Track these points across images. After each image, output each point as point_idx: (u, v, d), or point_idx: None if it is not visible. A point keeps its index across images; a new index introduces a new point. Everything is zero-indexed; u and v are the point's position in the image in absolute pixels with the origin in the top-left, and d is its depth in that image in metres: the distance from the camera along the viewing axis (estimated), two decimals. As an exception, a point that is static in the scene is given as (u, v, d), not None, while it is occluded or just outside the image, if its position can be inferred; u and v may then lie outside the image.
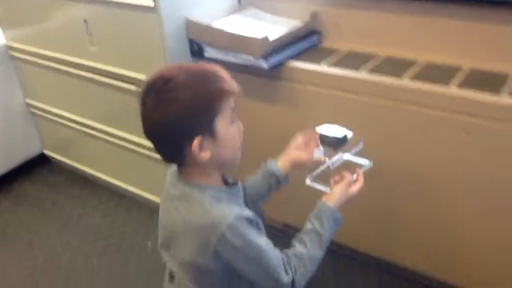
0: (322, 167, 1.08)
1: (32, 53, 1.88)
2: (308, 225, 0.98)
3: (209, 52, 1.42)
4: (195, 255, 0.92)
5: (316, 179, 1.09)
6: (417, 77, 1.23)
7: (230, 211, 0.89)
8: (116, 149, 1.87)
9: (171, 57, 1.41)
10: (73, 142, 2.08)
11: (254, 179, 1.09)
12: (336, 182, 1.03)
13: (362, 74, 1.27)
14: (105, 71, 1.63)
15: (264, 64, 1.31)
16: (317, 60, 1.37)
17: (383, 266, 1.54)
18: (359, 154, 1.09)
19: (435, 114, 1.17)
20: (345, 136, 1.07)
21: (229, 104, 0.89)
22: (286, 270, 0.91)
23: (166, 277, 1.09)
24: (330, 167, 1.07)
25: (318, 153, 1.06)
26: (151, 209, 1.93)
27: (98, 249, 1.76)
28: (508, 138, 1.10)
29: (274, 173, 1.07)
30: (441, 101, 1.16)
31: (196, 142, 0.86)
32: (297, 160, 1.10)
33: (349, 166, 1.07)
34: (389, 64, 1.32)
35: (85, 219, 1.93)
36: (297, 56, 1.40)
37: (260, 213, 1.01)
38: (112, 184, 2.03)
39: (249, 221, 0.90)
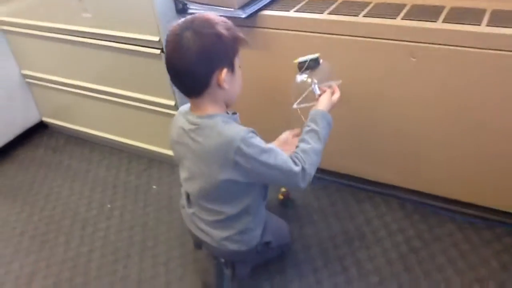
0: (306, 92, 1.31)
1: (25, 25, 2.01)
2: (306, 128, 1.21)
3: (192, 9, 1.62)
4: (220, 173, 1.11)
5: (300, 103, 1.33)
6: (370, 14, 1.46)
7: (240, 128, 1.11)
8: (111, 106, 2.04)
9: (160, 16, 1.59)
10: (70, 106, 2.24)
11: None
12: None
13: (323, 16, 1.49)
14: (98, 34, 1.79)
15: (242, 14, 1.52)
16: (286, 7, 1.58)
17: (357, 181, 1.82)
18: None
19: (386, 42, 1.41)
20: (317, 57, 1.31)
21: (240, 51, 1.13)
22: (295, 162, 1.13)
23: (185, 202, 1.32)
24: (316, 84, 1.29)
25: (300, 78, 1.29)
26: (150, 158, 2.15)
27: (109, 196, 1.97)
28: (445, 56, 1.36)
29: None
30: (390, 32, 1.40)
31: (224, 71, 1.08)
32: (281, 142, 1.36)
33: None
34: (346, 6, 1.55)
35: (92, 173, 2.13)
36: (269, 6, 1.61)
37: None
38: (111, 140, 2.21)
39: (254, 132, 1.12)
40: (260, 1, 1.60)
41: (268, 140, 1.22)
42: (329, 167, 1.82)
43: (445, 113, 1.46)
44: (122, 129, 2.15)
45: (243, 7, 1.55)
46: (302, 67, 1.31)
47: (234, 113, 1.22)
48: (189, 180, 1.22)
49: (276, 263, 1.56)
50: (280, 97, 1.67)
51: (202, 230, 1.28)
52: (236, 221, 1.23)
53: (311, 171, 1.15)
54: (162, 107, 1.87)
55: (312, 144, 1.17)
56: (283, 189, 1.76)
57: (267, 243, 1.34)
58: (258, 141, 1.11)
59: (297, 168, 1.12)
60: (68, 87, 2.13)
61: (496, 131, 1.42)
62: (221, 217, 1.22)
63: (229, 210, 1.20)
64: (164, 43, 1.61)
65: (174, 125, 1.23)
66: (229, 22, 1.12)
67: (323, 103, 1.26)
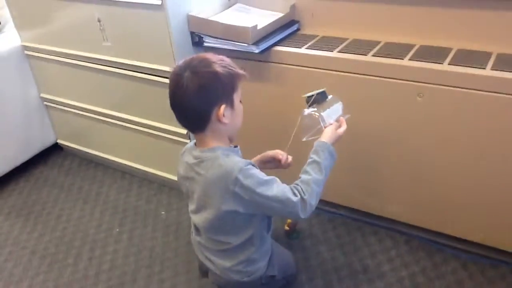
0: (314, 127, 1.34)
1: (47, 51, 2.10)
2: (309, 160, 1.23)
3: (208, 42, 1.68)
4: (222, 204, 1.14)
5: (309, 136, 1.36)
6: (378, 54, 1.52)
7: (238, 160, 1.16)
8: (125, 132, 2.10)
9: (176, 48, 1.66)
10: (85, 129, 2.30)
11: None
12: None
13: (334, 54, 1.55)
14: (117, 62, 1.86)
15: (255, 49, 1.59)
16: (298, 44, 1.64)
17: (363, 215, 1.84)
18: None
19: (394, 82, 1.46)
20: (324, 91, 1.35)
21: (240, 86, 1.17)
22: (294, 193, 1.14)
23: (193, 230, 1.36)
24: (323, 117, 1.32)
25: (307, 111, 1.33)
26: (160, 184, 2.19)
27: (118, 219, 2.01)
28: (451, 97, 1.40)
29: None
30: (398, 71, 1.45)
31: (222, 107, 1.13)
32: (265, 156, 1.37)
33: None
34: (356, 45, 1.61)
35: (102, 196, 2.18)
36: (281, 42, 1.67)
37: None
38: (123, 164, 2.26)
39: (253, 164, 1.16)
40: (273, 37, 1.66)
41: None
42: (336, 200, 1.85)
43: (450, 152, 1.49)
44: (134, 154, 2.20)
45: (257, 42, 1.61)
46: (309, 101, 1.35)
47: (235, 146, 1.26)
48: (195, 212, 1.26)
49: (280, 294, 1.58)
50: (290, 130, 1.72)
51: (207, 259, 1.31)
52: (240, 251, 1.25)
53: (312, 201, 1.16)
54: (174, 135, 1.92)
55: (313, 175, 1.19)
56: (289, 220, 1.78)
57: (272, 276, 1.35)
58: (257, 172, 1.14)
59: (295, 199, 1.13)
60: (84, 111, 2.20)
61: (501, 172, 1.44)
62: (225, 247, 1.24)
63: (233, 240, 1.23)
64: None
65: (181, 161, 1.27)
66: (227, 60, 1.16)
67: (327, 135, 1.28)
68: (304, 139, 1.37)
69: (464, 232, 1.63)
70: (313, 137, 1.34)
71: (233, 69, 1.15)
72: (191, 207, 1.28)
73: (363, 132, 1.60)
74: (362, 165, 1.68)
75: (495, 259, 1.62)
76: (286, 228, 1.79)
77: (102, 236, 1.93)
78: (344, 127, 1.32)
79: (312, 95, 1.34)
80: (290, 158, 1.37)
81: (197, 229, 1.33)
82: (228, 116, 1.16)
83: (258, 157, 1.40)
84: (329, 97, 1.36)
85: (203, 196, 1.19)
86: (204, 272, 1.42)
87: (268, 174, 1.17)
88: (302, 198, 1.14)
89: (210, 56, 1.15)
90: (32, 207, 2.14)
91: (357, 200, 1.80)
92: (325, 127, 1.31)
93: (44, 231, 1.98)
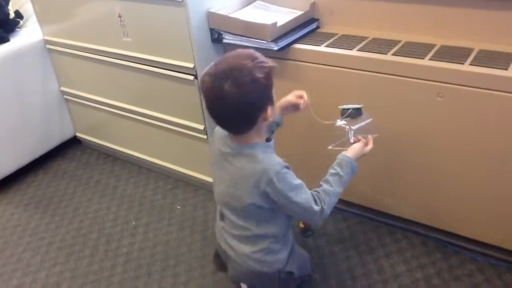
0: (341, 139, 1.37)
1: (68, 45, 2.13)
2: (332, 170, 1.27)
3: (227, 39, 1.69)
4: (248, 197, 1.17)
5: (336, 146, 1.38)
6: (399, 53, 1.51)
7: (276, 161, 1.17)
8: (143, 127, 2.12)
9: (196, 44, 1.67)
10: (103, 123, 2.33)
11: None
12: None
13: (353, 52, 1.55)
14: (137, 58, 1.88)
15: (274, 47, 1.59)
16: (317, 42, 1.64)
17: (379, 215, 1.84)
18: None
19: (413, 81, 1.45)
20: (360, 108, 1.37)
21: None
22: (316, 202, 1.19)
23: (218, 216, 1.36)
24: (352, 131, 1.35)
25: (339, 123, 1.36)
26: (177, 179, 2.21)
27: (134, 213, 2.03)
28: (472, 98, 1.38)
29: (279, 121, 1.39)
30: (418, 71, 1.44)
31: (269, 110, 1.13)
32: (287, 103, 1.37)
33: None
34: (376, 44, 1.60)
35: (119, 189, 2.20)
36: (300, 39, 1.67)
37: None
38: (140, 159, 2.28)
39: (288, 167, 1.17)
40: (293, 35, 1.66)
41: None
42: (351, 199, 1.84)
43: (470, 153, 1.47)
44: (152, 149, 2.22)
45: (276, 39, 1.61)
46: (344, 113, 1.38)
47: (268, 140, 1.27)
48: (221, 196, 1.28)
49: (293, 291, 1.58)
50: (307, 128, 1.72)
51: (228, 244, 1.32)
52: (261, 239, 1.26)
53: (328, 211, 1.22)
54: (192, 131, 1.93)
55: (335, 188, 1.23)
56: (304, 218, 1.78)
57: (291, 273, 1.36)
58: (290, 176, 1.16)
59: (317, 208, 1.18)
60: (103, 105, 2.23)
61: (521, 174, 1.42)
62: (247, 233, 1.25)
63: (256, 229, 1.24)
64: (197, 70, 1.70)
65: (214, 146, 1.29)
66: (259, 57, 1.13)
67: (354, 150, 1.31)
68: (329, 147, 1.39)
69: (482, 234, 1.62)
70: (338, 148, 1.36)
71: (268, 65, 1.13)
72: (217, 190, 1.30)
73: (381, 131, 1.58)
74: (379, 164, 1.67)
75: (512, 262, 1.60)
76: (301, 225, 1.79)
77: (118, 229, 1.95)
78: (370, 146, 1.35)
79: (348, 109, 1.36)
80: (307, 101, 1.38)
81: (221, 215, 1.34)
82: (272, 113, 1.17)
83: (282, 102, 1.39)
84: (363, 114, 1.38)
85: (232, 185, 1.21)
86: (221, 264, 1.43)
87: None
88: (322, 207, 1.19)
89: (244, 60, 1.11)
90: (50, 199, 2.18)
91: (373, 199, 1.79)
92: (353, 142, 1.34)
93: (62, 223, 2.01)
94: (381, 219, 1.83)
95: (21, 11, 2.34)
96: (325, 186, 1.24)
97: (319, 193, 1.21)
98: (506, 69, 1.33)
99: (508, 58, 1.39)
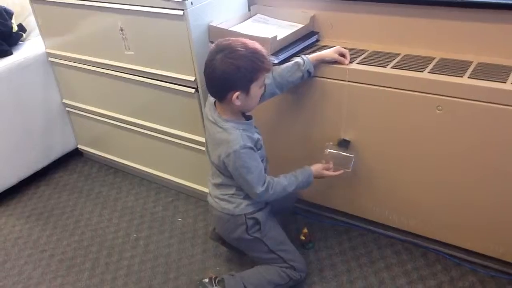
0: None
1: (70, 58, 2.15)
2: (294, 172, 1.54)
3: (228, 52, 1.71)
4: (217, 159, 1.45)
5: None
6: (398, 66, 1.52)
7: (240, 140, 1.39)
8: (144, 139, 2.13)
9: (196, 57, 1.68)
10: (105, 136, 2.35)
11: (288, 70, 1.54)
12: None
13: (353, 65, 1.56)
14: (138, 70, 1.90)
15: (275, 60, 1.60)
16: (316, 55, 1.66)
17: (379, 227, 1.84)
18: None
19: (412, 94, 1.46)
20: (349, 141, 1.65)
21: (264, 76, 1.37)
22: (263, 185, 1.44)
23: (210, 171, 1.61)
24: (328, 150, 1.64)
25: (328, 146, 1.64)
26: (178, 191, 2.22)
27: (135, 225, 2.04)
28: (471, 111, 1.39)
29: (311, 69, 1.55)
30: (416, 84, 1.45)
31: (236, 94, 1.36)
32: (326, 58, 1.56)
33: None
34: (375, 57, 1.61)
35: (120, 201, 2.21)
36: (300, 53, 1.68)
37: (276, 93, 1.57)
38: (141, 171, 2.29)
39: (250, 149, 1.41)
40: (293, 48, 1.67)
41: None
42: (352, 212, 1.85)
43: (470, 165, 1.48)
44: (153, 161, 2.23)
45: (276, 53, 1.63)
46: (337, 143, 1.66)
47: (249, 118, 1.49)
48: (207, 150, 1.55)
49: (294, 304, 1.58)
50: (308, 136, 1.73)
51: (209, 193, 1.60)
52: (229, 187, 1.52)
53: (271, 197, 1.48)
54: (192, 143, 1.94)
55: (286, 184, 1.50)
56: (305, 230, 1.78)
57: (257, 222, 1.53)
58: (247, 157, 1.40)
59: (260, 190, 1.44)
60: (105, 117, 2.24)
61: (521, 187, 1.43)
62: (219, 180, 1.52)
63: (225, 180, 1.51)
64: (198, 83, 1.73)
65: (206, 108, 1.53)
66: (259, 53, 1.35)
67: (314, 168, 1.57)
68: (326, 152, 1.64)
69: (482, 246, 1.61)
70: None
71: (259, 63, 1.34)
72: (206, 147, 1.57)
73: (380, 144, 1.60)
74: (379, 177, 1.68)
75: (513, 275, 1.60)
76: (302, 238, 1.79)
77: (119, 241, 1.95)
78: (331, 174, 1.58)
79: (343, 141, 1.65)
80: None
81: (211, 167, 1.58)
82: (242, 100, 1.38)
83: (323, 55, 1.57)
84: (349, 149, 1.64)
85: (210, 146, 1.50)
86: (216, 235, 1.73)
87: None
88: (267, 190, 1.45)
89: (244, 46, 1.34)
90: (52, 211, 2.18)
91: (374, 211, 1.79)
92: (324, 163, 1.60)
93: (63, 235, 2.02)
94: (381, 231, 1.83)
95: (24, 24, 2.36)
96: (281, 177, 1.50)
97: (273, 180, 1.48)
98: (505, 82, 1.34)
99: (507, 71, 1.40)
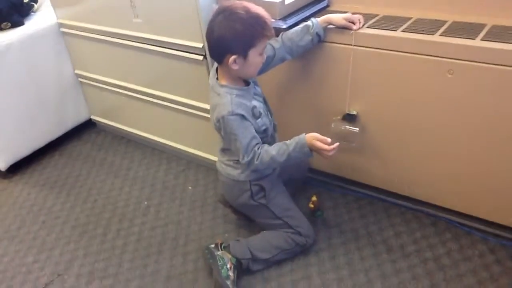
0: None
1: (82, 28, 2.15)
2: (287, 142, 1.42)
3: (236, 18, 1.68)
4: (213, 123, 1.46)
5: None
6: (408, 29, 1.48)
7: (229, 106, 1.37)
8: (155, 109, 2.14)
9: (204, 24, 1.65)
10: (117, 106, 2.36)
11: (297, 34, 1.51)
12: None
13: (363, 30, 1.52)
14: (147, 39, 1.89)
15: (283, 25, 1.57)
16: (325, 20, 1.63)
17: (389, 196, 1.83)
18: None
19: (423, 58, 1.42)
20: (354, 115, 1.63)
21: (264, 42, 1.34)
22: (249, 153, 1.41)
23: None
24: (334, 123, 1.64)
25: (334, 120, 1.65)
26: (188, 160, 2.23)
27: (146, 194, 2.06)
28: (483, 74, 1.35)
29: (320, 31, 1.52)
30: (427, 47, 1.41)
31: (232, 57, 1.34)
32: (333, 22, 1.52)
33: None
34: (386, 21, 1.57)
35: (132, 171, 2.23)
36: (310, 18, 1.65)
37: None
38: (153, 141, 2.31)
39: (240, 116, 1.38)
40: (301, 13, 1.64)
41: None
42: (362, 180, 1.83)
43: (482, 130, 1.44)
44: (164, 130, 2.24)
45: (284, 17, 1.60)
46: (345, 116, 1.65)
47: (248, 84, 1.47)
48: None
49: (301, 270, 1.59)
50: (315, 104, 1.71)
51: (218, 159, 1.62)
52: (233, 153, 1.49)
53: (258, 167, 1.44)
54: (202, 111, 1.94)
55: (275, 154, 1.40)
56: (314, 198, 1.78)
57: (262, 188, 1.53)
58: (234, 124, 1.38)
59: (246, 159, 1.42)
60: (116, 88, 2.25)
61: (533, 153, 1.39)
62: (224, 146, 1.54)
63: (227, 145, 1.49)
64: (206, 50, 1.71)
65: (210, 74, 1.53)
66: (261, 18, 1.32)
67: (310, 137, 1.38)
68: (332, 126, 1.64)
69: (493, 215, 1.59)
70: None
71: (259, 29, 1.31)
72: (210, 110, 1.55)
73: (390, 109, 1.57)
74: (389, 144, 1.65)
75: (525, 243, 1.58)
76: (311, 206, 1.79)
77: (130, 208, 1.98)
78: (322, 146, 1.37)
79: (347, 115, 1.63)
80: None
81: None
82: (240, 65, 1.36)
83: (331, 19, 1.53)
84: (355, 123, 1.64)
85: (211, 111, 1.49)
86: (225, 200, 1.73)
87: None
88: (252, 160, 1.41)
89: (245, 9, 1.31)
90: (66, 180, 2.22)
91: (384, 180, 1.78)
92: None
93: (76, 203, 2.05)
94: (391, 199, 1.82)
95: (35, -5, 2.36)
96: (273, 147, 1.42)
97: (261, 149, 1.41)
98: (518, 44, 1.30)
99: (522, 33, 1.36)
